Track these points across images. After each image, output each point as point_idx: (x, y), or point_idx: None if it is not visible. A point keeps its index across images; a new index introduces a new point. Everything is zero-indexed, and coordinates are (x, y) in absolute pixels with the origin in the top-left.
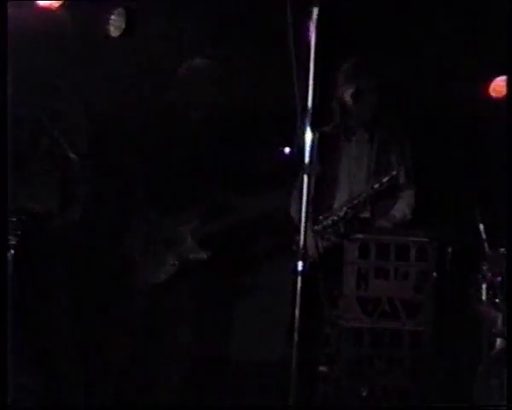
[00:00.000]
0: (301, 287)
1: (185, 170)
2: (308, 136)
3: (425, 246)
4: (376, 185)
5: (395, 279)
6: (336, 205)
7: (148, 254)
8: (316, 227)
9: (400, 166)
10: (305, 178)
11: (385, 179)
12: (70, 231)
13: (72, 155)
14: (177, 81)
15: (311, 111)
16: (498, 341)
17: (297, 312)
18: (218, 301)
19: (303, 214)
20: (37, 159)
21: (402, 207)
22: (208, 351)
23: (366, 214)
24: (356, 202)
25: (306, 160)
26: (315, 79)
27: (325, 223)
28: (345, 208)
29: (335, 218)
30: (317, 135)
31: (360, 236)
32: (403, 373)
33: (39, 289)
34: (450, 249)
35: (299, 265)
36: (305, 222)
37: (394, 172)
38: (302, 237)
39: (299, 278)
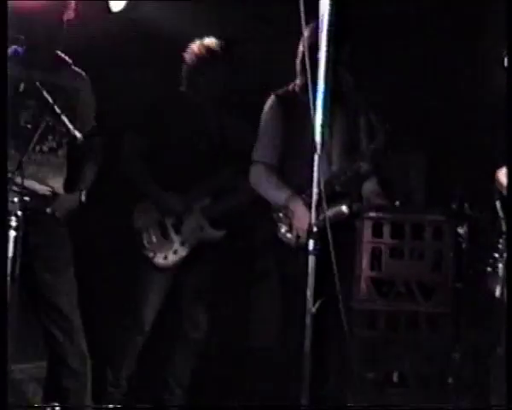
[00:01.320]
0: (313, 267)
1: (196, 149)
2: (319, 116)
3: (441, 225)
4: (362, 157)
5: (410, 259)
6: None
7: (158, 235)
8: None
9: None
10: (316, 157)
11: (368, 152)
12: (76, 212)
13: (78, 134)
14: (187, 60)
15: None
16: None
17: (309, 293)
18: (235, 285)
19: (314, 192)
20: (40, 137)
21: (373, 183)
22: (224, 336)
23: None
24: (345, 175)
25: (318, 138)
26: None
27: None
28: (335, 184)
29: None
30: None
31: (374, 214)
32: (419, 357)
33: (42, 272)
34: (466, 228)
35: (311, 244)
36: (317, 200)
37: (375, 144)
38: (313, 216)
39: (311, 258)
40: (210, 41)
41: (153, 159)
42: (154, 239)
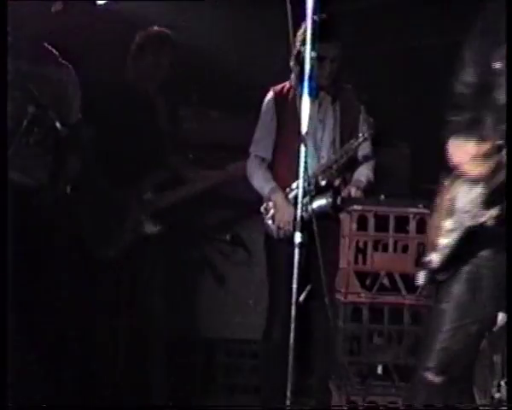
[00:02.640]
0: (299, 259)
1: (139, 141)
2: (306, 104)
3: (425, 217)
4: (347, 150)
5: (394, 252)
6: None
7: (101, 229)
8: (290, 196)
9: (367, 129)
10: (303, 147)
11: (355, 144)
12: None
13: (61, 126)
14: (132, 50)
15: (308, 79)
16: (500, 316)
17: (295, 285)
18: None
19: (300, 185)
20: (25, 129)
21: (366, 172)
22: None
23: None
24: (331, 168)
25: (304, 130)
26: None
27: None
28: (320, 177)
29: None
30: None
31: (358, 207)
32: (403, 349)
33: (28, 264)
34: None
35: (297, 236)
36: (303, 191)
37: (363, 136)
38: (299, 208)
39: (297, 250)
40: (154, 28)
41: (99, 149)
42: (99, 233)
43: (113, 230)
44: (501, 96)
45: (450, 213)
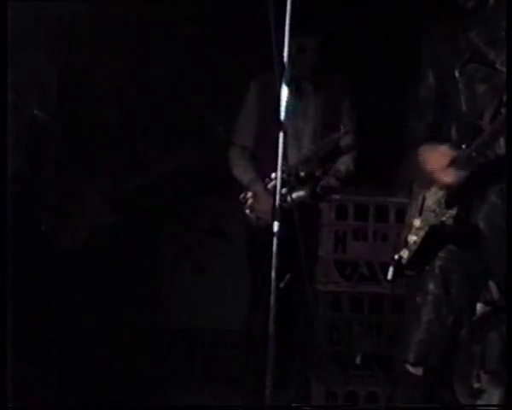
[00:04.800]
0: (277, 249)
1: (99, 127)
2: (284, 93)
3: (404, 207)
4: (329, 142)
5: (374, 241)
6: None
7: (61, 219)
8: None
9: (350, 121)
10: (281, 135)
11: (337, 135)
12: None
13: (40, 114)
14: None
15: (286, 67)
16: (479, 306)
17: (273, 274)
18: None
19: (278, 173)
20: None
21: (346, 161)
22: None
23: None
24: (312, 159)
25: (282, 117)
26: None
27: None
28: (301, 167)
29: (290, 176)
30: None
31: (337, 196)
32: (383, 339)
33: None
34: None
35: (276, 226)
36: (280, 181)
37: (344, 128)
38: (278, 196)
39: (275, 240)
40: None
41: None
42: (60, 222)
43: (72, 219)
44: (460, 102)
45: (420, 212)
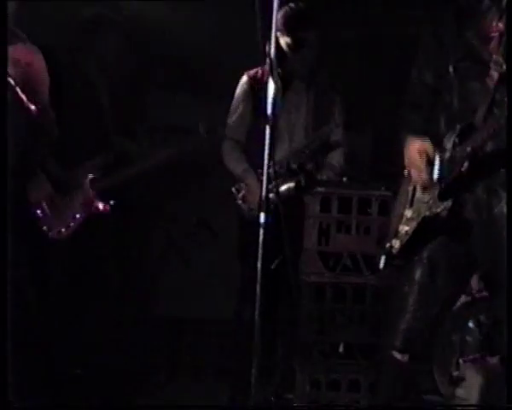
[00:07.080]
0: (263, 239)
1: (86, 119)
2: (271, 87)
3: (387, 200)
4: (320, 136)
5: (357, 233)
6: (278, 155)
7: (52, 209)
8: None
9: (340, 115)
10: (268, 129)
11: (328, 130)
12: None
13: (32, 107)
14: (80, 29)
15: (275, 62)
16: (462, 297)
17: (259, 265)
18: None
19: (265, 166)
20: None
21: (338, 157)
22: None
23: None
24: (303, 152)
25: (269, 111)
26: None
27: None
28: (292, 160)
29: (280, 169)
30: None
31: (322, 189)
32: (365, 328)
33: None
34: None
35: (262, 216)
36: (267, 173)
37: (335, 123)
38: (264, 188)
39: (262, 230)
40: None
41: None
42: (48, 213)
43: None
44: (453, 99)
45: (411, 202)
